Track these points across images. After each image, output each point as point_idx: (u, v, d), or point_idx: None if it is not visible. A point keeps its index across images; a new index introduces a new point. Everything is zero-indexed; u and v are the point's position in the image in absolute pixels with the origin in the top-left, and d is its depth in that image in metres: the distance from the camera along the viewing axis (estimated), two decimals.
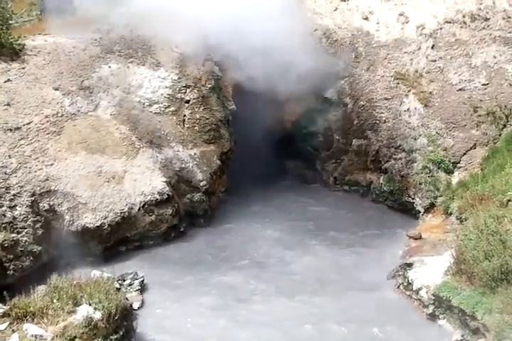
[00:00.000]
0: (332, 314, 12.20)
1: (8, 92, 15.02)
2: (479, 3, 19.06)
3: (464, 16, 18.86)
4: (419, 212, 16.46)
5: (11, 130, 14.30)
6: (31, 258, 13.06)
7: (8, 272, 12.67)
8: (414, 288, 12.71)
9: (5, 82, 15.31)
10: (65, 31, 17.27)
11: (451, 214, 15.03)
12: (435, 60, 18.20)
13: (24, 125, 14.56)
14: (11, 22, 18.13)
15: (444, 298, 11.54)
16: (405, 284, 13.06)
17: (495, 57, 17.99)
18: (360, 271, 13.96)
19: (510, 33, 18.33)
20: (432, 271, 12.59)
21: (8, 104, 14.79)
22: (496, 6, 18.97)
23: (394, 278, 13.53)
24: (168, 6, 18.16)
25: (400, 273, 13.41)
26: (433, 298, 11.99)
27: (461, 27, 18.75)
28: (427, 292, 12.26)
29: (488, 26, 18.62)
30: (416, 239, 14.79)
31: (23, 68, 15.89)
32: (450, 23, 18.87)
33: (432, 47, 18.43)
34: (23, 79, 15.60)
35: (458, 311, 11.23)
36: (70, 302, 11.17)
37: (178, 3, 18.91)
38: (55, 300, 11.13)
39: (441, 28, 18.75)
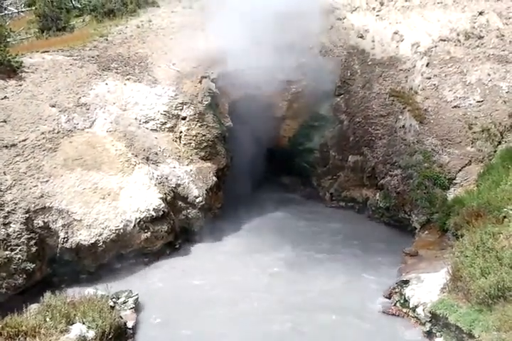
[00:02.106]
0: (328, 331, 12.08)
1: (4, 109, 15.09)
2: (473, 22, 19.30)
3: (458, 34, 19.07)
4: (416, 228, 16.43)
5: (6, 147, 14.31)
6: (24, 276, 12.95)
7: (0, 290, 12.54)
8: (410, 306, 12.62)
9: (2, 99, 15.40)
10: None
11: (447, 230, 15.00)
12: (430, 78, 18.34)
13: (20, 142, 14.58)
14: (8, 39, 18.33)
15: (441, 315, 11.45)
16: (402, 301, 12.97)
17: (489, 74, 18.14)
18: (353, 288, 13.88)
19: (503, 51, 18.51)
20: (428, 288, 12.53)
21: (5, 121, 14.84)
22: (490, 24, 19.20)
23: (390, 296, 13.41)
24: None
25: (397, 290, 13.32)
26: (430, 315, 11.90)
27: (455, 45, 18.94)
28: (423, 309, 12.17)
29: (482, 44, 18.81)
30: (412, 255, 14.73)
31: (20, 85, 16.01)
32: (445, 41, 19.08)
33: (427, 65, 18.59)
34: (20, 96, 15.69)
35: (455, 329, 11.12)
36: (63, 320, 11.12)
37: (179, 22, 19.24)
38: (47, 319, 11.07)
39: (435, 46, 18.95)
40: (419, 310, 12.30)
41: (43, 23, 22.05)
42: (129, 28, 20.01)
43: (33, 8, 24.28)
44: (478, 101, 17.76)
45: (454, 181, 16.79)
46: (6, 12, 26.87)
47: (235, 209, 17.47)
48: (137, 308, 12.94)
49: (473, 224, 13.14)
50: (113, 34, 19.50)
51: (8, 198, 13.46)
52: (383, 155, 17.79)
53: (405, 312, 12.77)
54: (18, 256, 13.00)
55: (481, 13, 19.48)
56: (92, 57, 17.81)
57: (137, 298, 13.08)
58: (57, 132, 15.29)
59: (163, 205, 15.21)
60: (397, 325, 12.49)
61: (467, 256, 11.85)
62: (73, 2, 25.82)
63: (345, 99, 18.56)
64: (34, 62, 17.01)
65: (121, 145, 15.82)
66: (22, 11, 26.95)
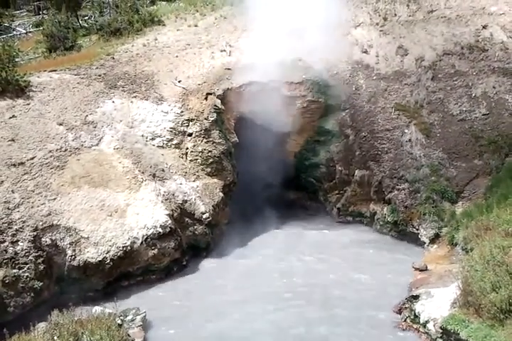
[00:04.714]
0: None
1: (12, 128, 15.28)
2: (477, 35, 19.41)
3: (462, 48, 19.17)
4: (424, 242, 16.29)
5: (14, 165, 14.43)
6: (32, 294, 12.92)
7: (8, 309, 12.53)
8: (421, 321, 12.46)
9: (10, 118, 15.60)
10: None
11: (456, 244, 14.86)
12: (435, 91, 18.39)
13: (28, 160, 14.70)
14: (17, 59, 18.57)
15: (452, 331, 11.28)
16: (412, 317, 12.81)
17: (494, 87, 18.18)
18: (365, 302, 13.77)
19: (508, 63, 18.58)
20: (438, 303, 12.36)
21: (13, 140, 15.00)
22: (494, 37, 19.30)
23: (400, 311, 13.26)
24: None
25: (407, 305, 13.16)
26: (441, 331, 11.72)
27: (460, 58, 19.03)
28: (434, 325, 11.99)
29: (486, 57, 18.90)
30: (422, 270, 14.59)
31: (28, 104, 16.21)
32: (449, 54, 19.18)
33: (432, 79, 18.65)
34: (28, 114, 15.88)
35: None
36: (71, 339, 11.14)
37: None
38: (55, 338, 11.08)
39: (440, 60, 19.04)
40: (429, 326, 12.13)
41: (51, 43, 22.37)
42: (135, 46, 20.27)
43: (41, 28, 24.64)
44: (484, 115, 17.78)
45: (462, 194, 16.75)
46: (14, 33, 27.29)
47: (241, 225, 17.40)
48: (145, 326, 12.87)
49: (483, 237, 13.04)
50: (119, 52, 19.76)
51: (16, 216, 13.52)
52: (390, 170, 17.72)
53: (416, 328, 12.60)
54: (26, 274, 13.00)
55: (484, 27, 19.61)
56: (99, 76, 18.01)
57: (145, 316, 13.02)
58: (65, 150, 15.41)
59: (170, 222, 15.21)
60: None
61: (477, 271, 11.73)
62: (80, 22, 26.22)
63: (350, 113, 18.56)
64: (42, 81, 17.22)
65: (128, 162, 15.90)
66: (30, 32, 27.35)
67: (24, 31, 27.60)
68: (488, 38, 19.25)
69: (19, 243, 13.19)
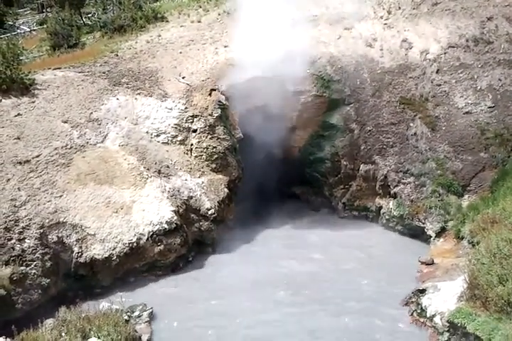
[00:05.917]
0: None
1: (18, 126, 15.36)
2: (482, 28, 19.25)
3: (467, 40, 19.01)
4: (431, 236, 16.25)
5: (20, 163, 14.52)
6: (40, 291, 13.03)
7: (16, 306, 12.62)
8: (428, 315, 12.46)
9: (15, 116, 15.69)
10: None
11: (462, 238, 14.83)
12: (440, 84, 18.27)
13: (33, 158, 14.79)
14: (21, 58, 18.64)
15: (459, 324, 11.23)
16: (419, 311, 12.81)
17: (500, 79, 18.05)
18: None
19: None
20: (445, 297, 12.35)
21: (18, 138, 15.09)
22: (499, 29, 19.14)
23: (407, 305, 13.25)
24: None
25: (413, 299, 13.16)
26: (448, 324, 11.69)
27: (464, 51, 18.88)
28: (441, 318, 11.98)
29: (491, 49, 18.75)
30: (428, 264, 14.59)
31: (33, 102, 16.28)
32: (454, 47, 19.02)
33: (437, 72, 18.53)
34: (33, 112, 15.94)
35: (474, 338, 10.91)
36: (79, 335, 11.21)
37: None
38: (63, 334, 11.17)
39: (445, 53, 18.90)
40: (436, 320, 12.13)
41: (55, 41, 22.46)
42: (139, 43, 20.30)
43: (45, 26, 24.73)
44: (490, 107, 17.67)
45: (468, 188, 16.68)
46: (18, 31, 27.41)
47: (247, 220, 17.42)
48: (152, 322, 12.94)
49: (489, 230, 12.98)
50: (123, 49, 19.79)
51: (22, 214, 13.61)
52: (395, 164, 17.65)
53: (422, 322, 12.60)
54: (33, 271, 13.10)
55: (489, 19, 19.43)
56: (103, 73, 18.05)
57: (152, 312, 13.12)
58: (70, 147, 15.48)
59: (175, 218, 15.25)
60: None
61: (484, 264, 11.68)
62: (83, 19, 26.28)
63: (355, 107, 18.47)
64: (46, 79, 17.27)
65: (133, 159, 15.95)
66: (34, 30, 27.47)
67: (28, 29, 27.72)
68: (494, 30, 19.08)
69: (26, 240, 13.29)
